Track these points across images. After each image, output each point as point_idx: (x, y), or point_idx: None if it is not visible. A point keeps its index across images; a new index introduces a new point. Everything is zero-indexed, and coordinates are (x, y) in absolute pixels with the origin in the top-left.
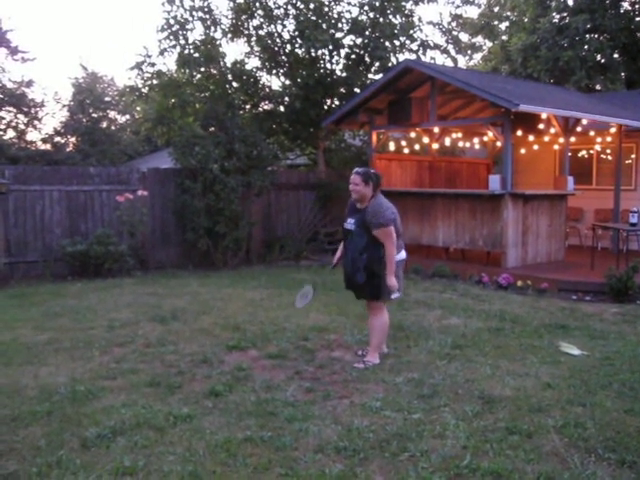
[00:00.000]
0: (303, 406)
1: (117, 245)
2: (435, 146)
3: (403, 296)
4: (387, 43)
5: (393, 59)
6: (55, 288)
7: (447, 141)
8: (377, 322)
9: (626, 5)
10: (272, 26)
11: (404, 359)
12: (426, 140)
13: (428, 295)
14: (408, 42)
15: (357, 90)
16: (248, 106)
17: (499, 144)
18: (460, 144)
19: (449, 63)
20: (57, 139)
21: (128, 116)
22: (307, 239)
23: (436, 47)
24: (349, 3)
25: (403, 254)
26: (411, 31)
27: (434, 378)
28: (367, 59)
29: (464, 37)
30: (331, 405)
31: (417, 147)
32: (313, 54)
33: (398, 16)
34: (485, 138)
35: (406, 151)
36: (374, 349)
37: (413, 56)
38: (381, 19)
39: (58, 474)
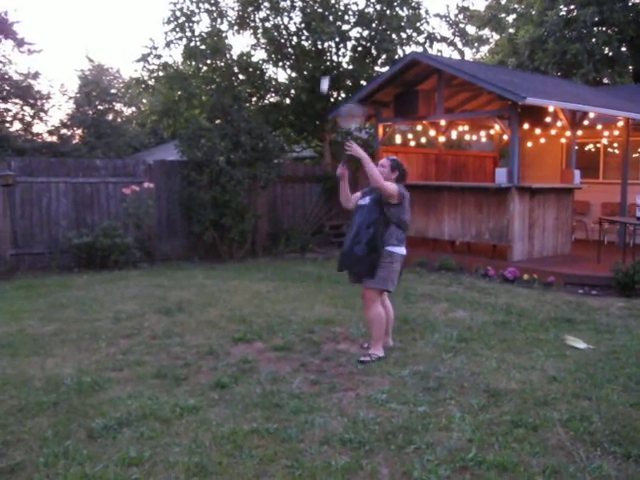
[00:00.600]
0: (309, 398)
1: (123, 237)
2: (441, 139)
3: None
4: (394, 35)
5: (400, 52)
6: (61, 280)
7: (454, 134)
8: (370, 314)
9: None
10: (278, 18)
11: (410, 352)
12: (432, 133)
13: (434, 288)
14: (415, 34)
15: (363, 83)
16: (254, 98)
17: (506, 137)
18: (467, 137)
19: (456, 56)
20: (63, 131)
21: (134, 108)
22: (313, 232)
23: (443, 40)
24: None
25: (404, 250)
26: (418, 23)
27: (440, 371)
28: (374, 51)
29: (471, 30)
30: (337, 397)
31: (423, 140)
32: (319, 46)
33: (405, 8)
34: (492, 131)
35: (412, 144)
36: (375, 341)
37: (420, 49)
38: (388, 11)
39: (65, 464)
